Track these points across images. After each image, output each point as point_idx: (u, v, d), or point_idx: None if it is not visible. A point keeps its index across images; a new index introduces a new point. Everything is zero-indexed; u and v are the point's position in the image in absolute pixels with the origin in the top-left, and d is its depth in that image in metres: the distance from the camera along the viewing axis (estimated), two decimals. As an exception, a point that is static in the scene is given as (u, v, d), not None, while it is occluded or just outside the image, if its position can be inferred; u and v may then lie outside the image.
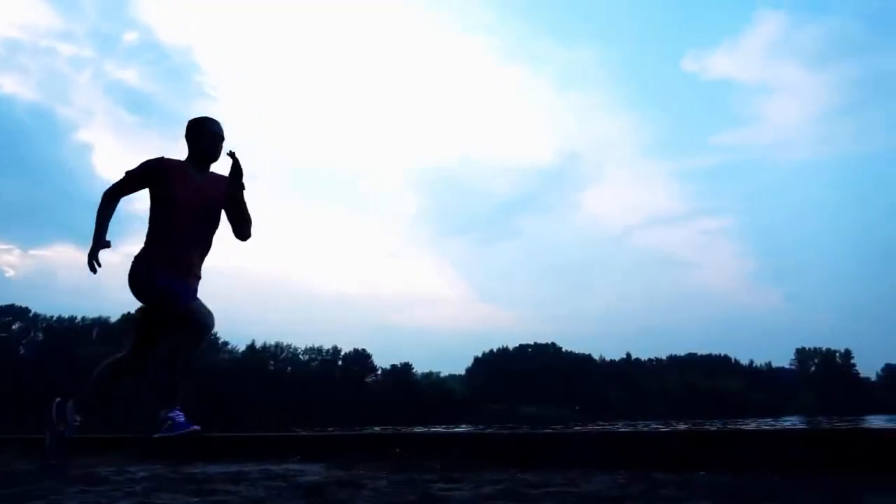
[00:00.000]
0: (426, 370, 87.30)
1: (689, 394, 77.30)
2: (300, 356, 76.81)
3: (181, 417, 2.82)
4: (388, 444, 2.79)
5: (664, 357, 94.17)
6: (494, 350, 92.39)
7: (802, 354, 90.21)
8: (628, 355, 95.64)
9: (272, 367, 72.50)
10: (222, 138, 3.11)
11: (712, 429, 2.78)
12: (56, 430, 2.88)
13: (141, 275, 2.87)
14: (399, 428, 23.99)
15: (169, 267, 2.89)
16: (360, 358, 79.06)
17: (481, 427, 25.62)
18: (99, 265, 2.88)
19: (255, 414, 50.05)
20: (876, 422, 19.94)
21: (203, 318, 2.90)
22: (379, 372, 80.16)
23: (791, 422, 24.90)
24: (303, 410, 58.38)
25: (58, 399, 2.99)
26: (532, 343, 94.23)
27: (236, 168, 3.00)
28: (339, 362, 77.59)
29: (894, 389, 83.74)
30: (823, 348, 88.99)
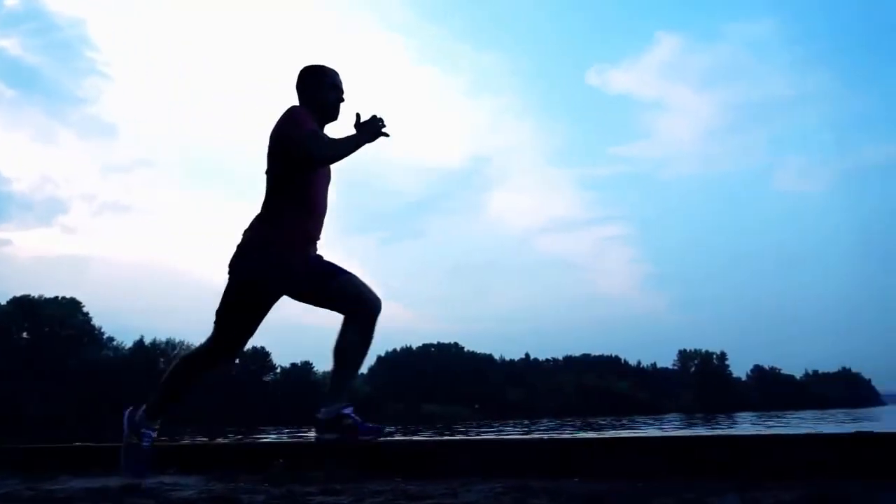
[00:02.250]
0: (328, 369, 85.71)
1: (581, 393, 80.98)
2: (193, 353, 73.28)
3: (358, 418, 2.42)
4: (273, 453, 2.71)
5: (560, 357, 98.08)
6: (398, 349, 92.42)
7: (684, 356, 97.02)
8: (527, 355, 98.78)
9: (163, 366, 68.63)
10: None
11: (588, 436, 2.91)
12: (130, 443, 2.48)
13: (273, 253, 2.36)
14: (297, 429, 23.42)
15: (304, 247, 2.45)
16: (258, 356, 76.49)
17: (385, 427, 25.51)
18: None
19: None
20: (744, 418, 21.82)
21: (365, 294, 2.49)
22: (278, 371, 78.01)
23: (671, 418, 26.75)
24: (196, 412, 55.74)
25: (129, 408, 2.57)
26: (435, 342, 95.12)
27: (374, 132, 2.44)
28: (236, 360, 74.71)
29: (761, 388, 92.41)
30: (702, 350, 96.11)
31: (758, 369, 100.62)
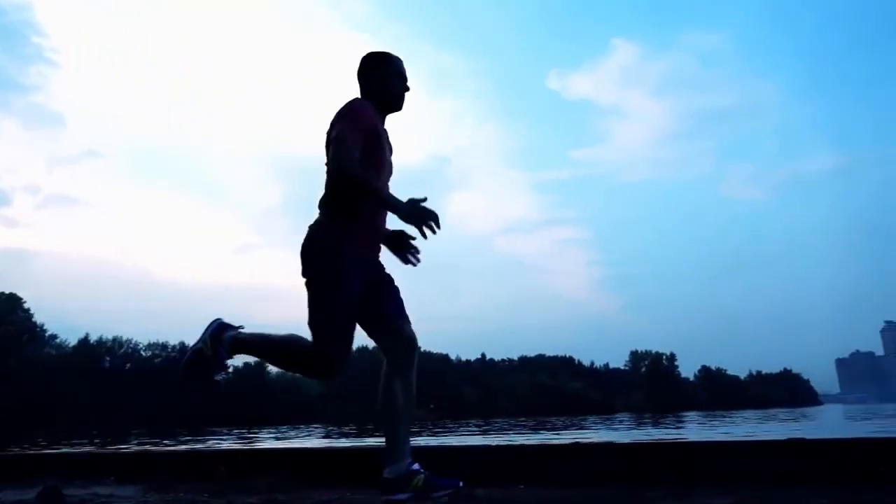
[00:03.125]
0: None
1: (536, 393, 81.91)
2: (141, 352, 71.03)
3: (429, 473, 2.12)
4: (215, 461, 2.63)
5: (516, 358, 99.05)
6: (354, 349, 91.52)
7: (635, 356, 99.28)
8: (483, 356, 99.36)
9: (108, 364, 66.36)
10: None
11: (532, 443, 2.93)
12: (199, 350, 2.15)
13: (343, 254, 2.12)
14: (248, 430, 22.92)
15: (369, 249, 2.22)
16: (210, 355, 74.62)
17: (333, 428, 25.24)
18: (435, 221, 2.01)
19: (85, 416, 45.51)
20: (691, 419, 22.43)
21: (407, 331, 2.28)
22: (231, 370, 76.26)
23: (621, 418, 27.31)
24: (143, 411, 54.07)
25: (219, 321, 2.23)
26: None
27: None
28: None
29: (707, 388, 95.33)
30: (653, 351, 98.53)
31: (705, 370, 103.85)
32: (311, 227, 2.18)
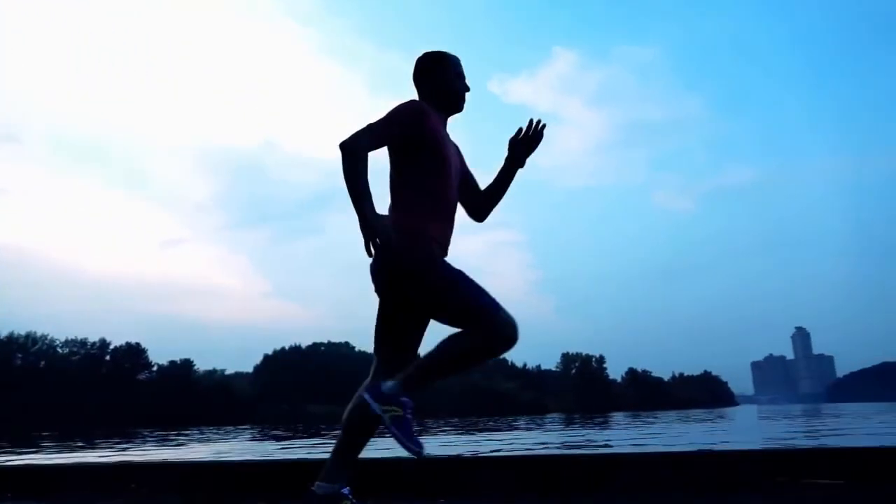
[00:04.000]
0: (209, 367, 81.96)
1: (470, 393, 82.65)
2: (58, 349, 67.29)
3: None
4: (126, 476, 2.53)
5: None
6: (286, 348, 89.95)
7: (567, 358, 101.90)
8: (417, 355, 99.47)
9: (19, 362, 62.47)
10: None
11: (447, 455, 2.97)
12: (396, 417, 1.94)
13: (427, 256, 1.99)
14: (174, 432, 22.07)
15: (444, 249, 2.11)
16: (133, 353, 71.57)
17: (264, 429, 24.65)
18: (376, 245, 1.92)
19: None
20: (618, 419, 23.22)
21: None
22: (154, 368, 73.32)
23: (552, 419, 27.96)
24: (59, 411, 51.17)
25: (364, 393, 2.03)
26: (326, 341, 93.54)
27: (536, 140, 2.25)
28: (107, 357, 69.44)
29: (634, 389, 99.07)
30: (583, 353, 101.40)
31: (632, 372, 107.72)
32: (385, 248, 1.97)
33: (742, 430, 11.92)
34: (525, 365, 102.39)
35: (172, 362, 74.59)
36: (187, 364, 75.46)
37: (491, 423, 22.25)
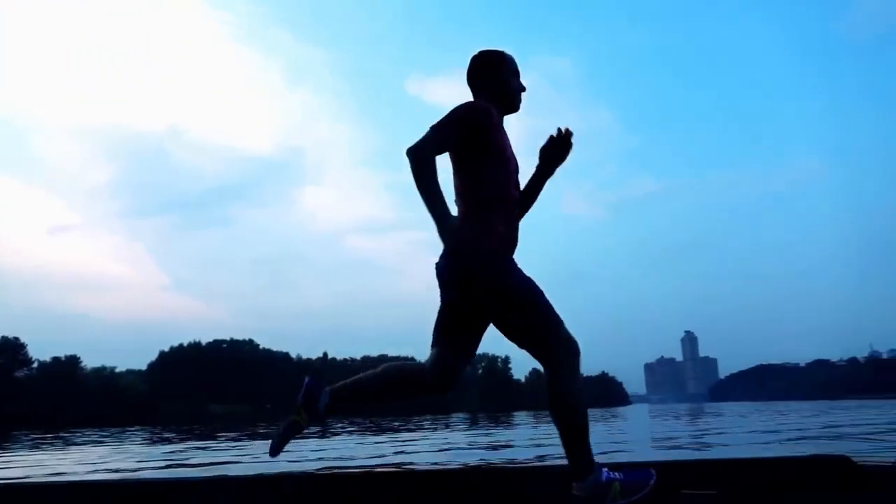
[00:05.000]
0: (98, 364, 76.75)
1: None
2: (-81, 343, 60.71)
3: (618, 475, 1.90)
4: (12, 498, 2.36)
5: (359, 357, 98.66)
6: (185, 345, 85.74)
7: (479, 358, 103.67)
8: (325, 354, 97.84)
9: None
10: None
11: (337, 472, 3.04)
12: (305, 409, 2.01)
13: (497, 256, 1.96)
14: (55, 434, 20.48)
15: (512, 249, 2.05)
16: (10, 348, 65.82)
17: (156, 430, 23.39)
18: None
19: None
20: (520, 418, 23.98)
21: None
22: (35, 365, 67.76)
23: (456, 418, 28.43)
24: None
25: (309, 378, 2.07)
26: (228, 339, 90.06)
27: (566, 148, 2.19)
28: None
29: (537, 389, 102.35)
30: (489, 353, 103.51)
31: (535, 372, 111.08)
32: (453, 246, 1.97)
33: (635, 429, 12.65)
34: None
35: (56, 358, 69.30)
36: (73, 361, 70.35)
37: (396, 423, 22.37)
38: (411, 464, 5.94)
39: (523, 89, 2.20)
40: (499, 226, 2.00)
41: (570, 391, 1.90)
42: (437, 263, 2.03)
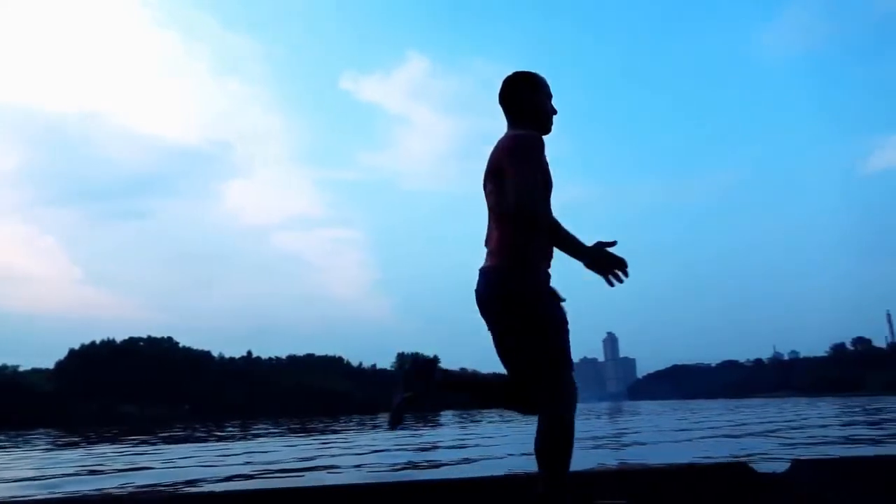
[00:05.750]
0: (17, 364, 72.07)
1: (303, 393, 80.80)
2: None
3: None
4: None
5: (284, 356, 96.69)
6: (97, 342, 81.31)
7: (402, 358, 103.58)
8: (249, 353, 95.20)
9: None
10: None
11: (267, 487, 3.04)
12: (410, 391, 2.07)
13: (538, 281, 1.96)
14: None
15: (549, 277, 2.03)
16: None
17: (60, 433, 22.05)
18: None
19: None
20: (447, 417, 24.17)
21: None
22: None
23: (383, 419, 28.38)
24: None
25: (426, 360, 2.18)
26: (145, 336, 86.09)
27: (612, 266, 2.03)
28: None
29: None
30: (419, 353, 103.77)
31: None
32: (492, 275, 1.98)
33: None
34: (361, 364, 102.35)
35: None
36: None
37: (322, 424, 22.10)
38: (337, 467, 5.90)
39: (555, 112, 2.19)
40: (542, 257, 2.02)
41: (563, 429, 1.91)
42: (476, 290, 2.02)
